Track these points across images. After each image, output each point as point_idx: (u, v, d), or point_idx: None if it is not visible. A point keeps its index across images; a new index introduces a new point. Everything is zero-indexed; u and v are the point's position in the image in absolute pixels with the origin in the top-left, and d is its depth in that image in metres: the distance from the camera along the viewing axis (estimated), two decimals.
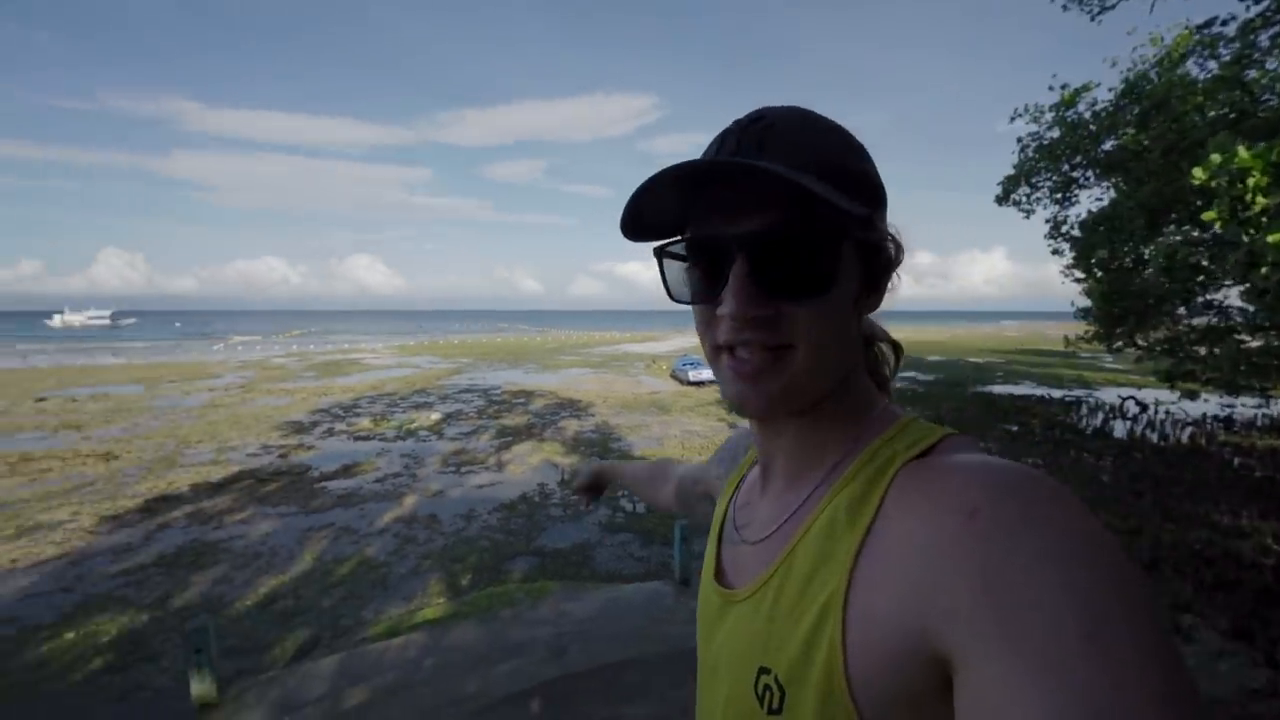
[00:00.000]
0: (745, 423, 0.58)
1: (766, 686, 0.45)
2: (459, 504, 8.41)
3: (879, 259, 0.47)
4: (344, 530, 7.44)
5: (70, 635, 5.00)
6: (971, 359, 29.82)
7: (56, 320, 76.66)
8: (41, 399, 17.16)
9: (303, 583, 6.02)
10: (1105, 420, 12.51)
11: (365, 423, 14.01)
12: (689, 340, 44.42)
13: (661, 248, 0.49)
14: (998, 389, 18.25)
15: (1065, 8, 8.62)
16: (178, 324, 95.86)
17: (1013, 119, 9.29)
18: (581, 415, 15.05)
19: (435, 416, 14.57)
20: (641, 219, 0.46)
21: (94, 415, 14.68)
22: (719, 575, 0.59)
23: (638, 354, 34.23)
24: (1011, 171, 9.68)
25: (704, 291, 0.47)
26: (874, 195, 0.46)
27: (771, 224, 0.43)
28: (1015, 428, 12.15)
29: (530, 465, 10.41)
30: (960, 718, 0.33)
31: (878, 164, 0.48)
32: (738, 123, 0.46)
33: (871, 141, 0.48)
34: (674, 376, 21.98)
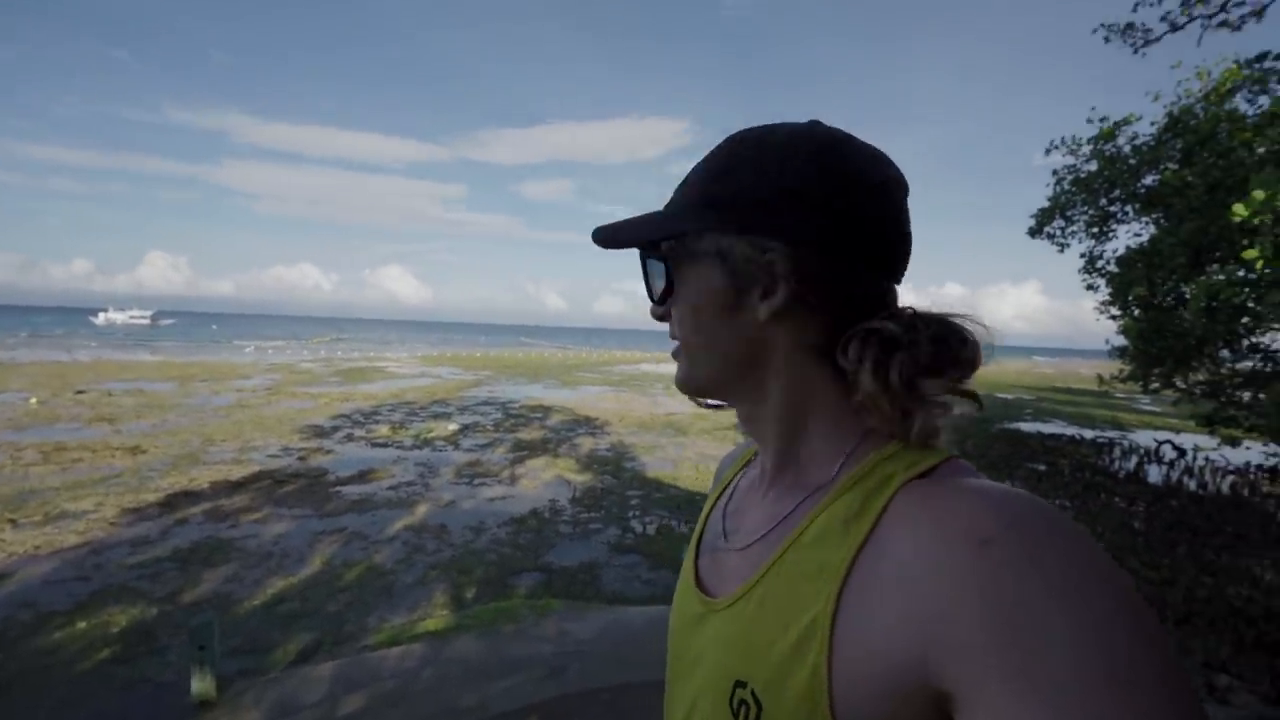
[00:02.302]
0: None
1: (742, 700, 0.44)
2: (470, 516, 8.40)
3: (748, 269, 0.49)
4: (355, 535, 7.48)
5: (83, 624, 5.08)
6: (1000, 394, 29.01)
7: (101, 318, 79.91)
8: (80, 391, 17.80)
9: (310, 585, 6.04)
10: (1139, 464, 11.98)
11: (384, 430, 14.19)
12: None
13: None
14: (1026, 426, 17.66)
15: (1107, 39, 8.52)
16: (214, 326, 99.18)
17: (1049, 151, 9.17)
18: (597, 433, 15.01)
19: (453, 427, 14.68)
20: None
21: (127, 410, 15.16)
22: (699, 582, 0.58)
23: (657, 374, 34.18)
24: (1046, 204, 9.51)
25: None
26: (730, 214, 0.49)
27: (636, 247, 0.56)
28: (1043, 467, 11.71)
29: (543, 480, 10.38)
30: None
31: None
32: None
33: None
34: None
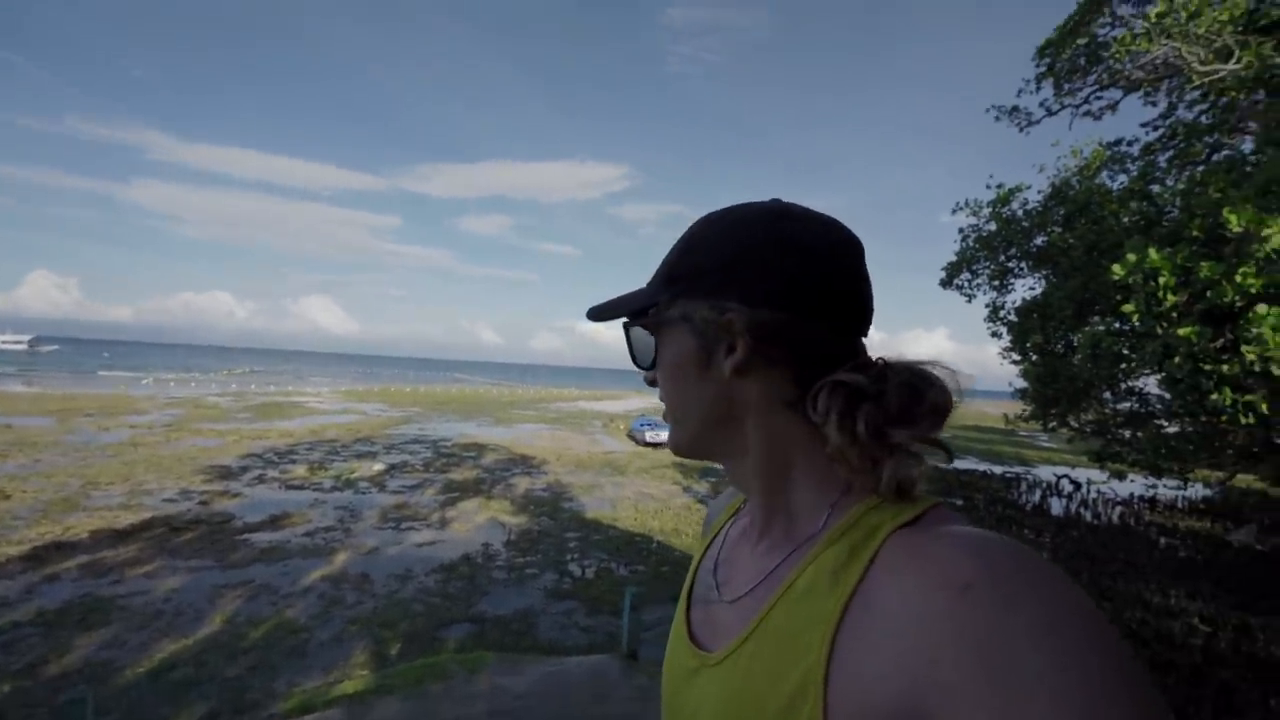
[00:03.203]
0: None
1: None
2: (395, 563, 7.86)
3: (710, 329, 0.52)
4: (263, 588, 6.81)
5: None
6: None
7: None
8: None
9: (208, 647, 5.40)
10: (1043, 497, 13.02)
11: (301, 470, 13.18)
12: (647, 401, 44.46)
13: None
14: (942, 462, 18.84)
15: (997, 119, 9.65)
16: (106, 354, 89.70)
17: (954, 210, 10.13)
18: (534, 472, 14.61)
19: (378, 467, 13.86)
20: None
21: None
22: (691, 634, 0.58)
23: (595, 412, 33.93)
24: (954, 259, 10.42)
25: None
26: (694, 282, 0.54)
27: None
28: (960, 501, 12.48)
29: (476, 524, 9.93)
30: None
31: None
32: None
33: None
34: (631, 436, 21.79)
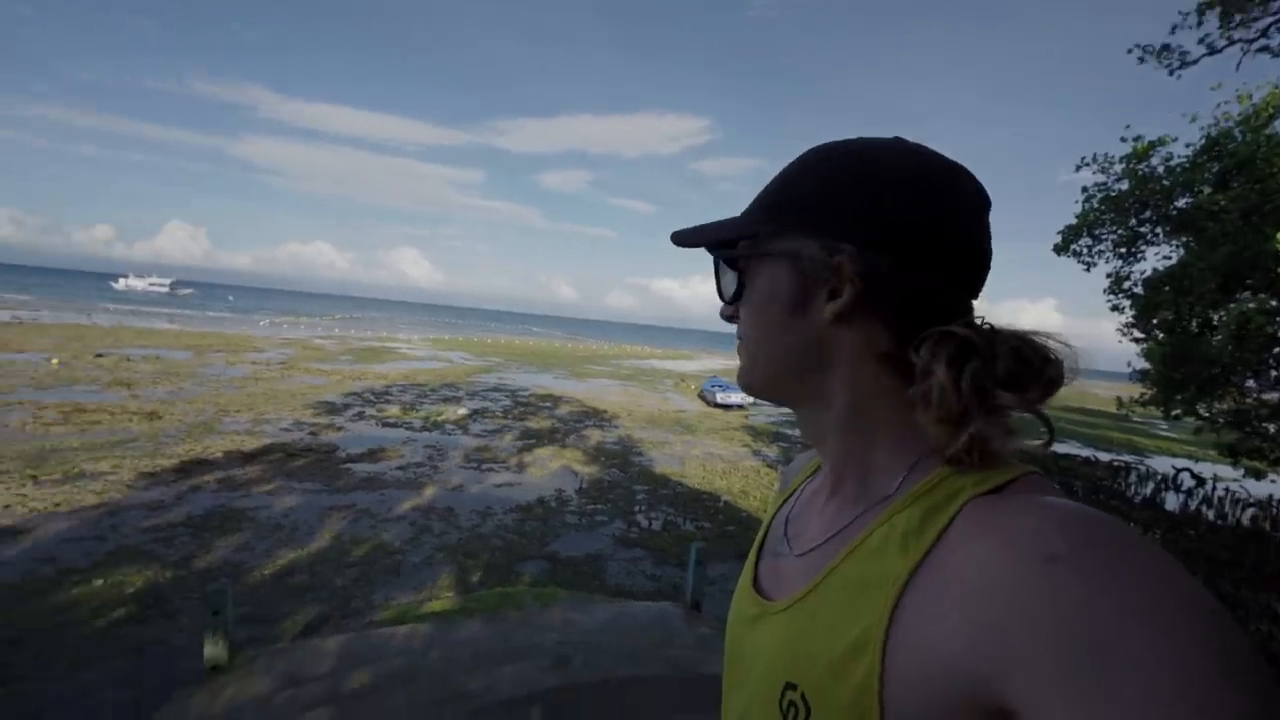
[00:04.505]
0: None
1: (791, 702, 0.44)
2: (477, 500, 8.45)
3: (816, 269, 0.49)
4: (363, 512, 7.55)
5: (99, 582, 5.18)
6: None
7: (121, 284, 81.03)
8: (100, 355, 18.10)
9: (319, 559, 6.12)
10: (1156, 491, 11.83)
11: (395, 410, 14.30)
12: (719, 361, 44.13)
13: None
14: (1037, 441, 17.51)
15: (1142, 60, 8.35)
16: (230, 298, 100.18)
17: (1079, 168, 9.00)
18: (605, 426, 15.04)
19: (462, 412, 14.77)
20: None
21: (144, 375, 15.39)
22: (756, 585, 0.58)
23: (666, 370, 34.16)
24: (1074, 221, 9.34)
25: None
26: (802, 216, 0.50)
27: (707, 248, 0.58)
28: (1055, 488, 11.58)
29: (550, 470, 10.43)
30: None
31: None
32: None
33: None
34: (701, 397, 21.82)
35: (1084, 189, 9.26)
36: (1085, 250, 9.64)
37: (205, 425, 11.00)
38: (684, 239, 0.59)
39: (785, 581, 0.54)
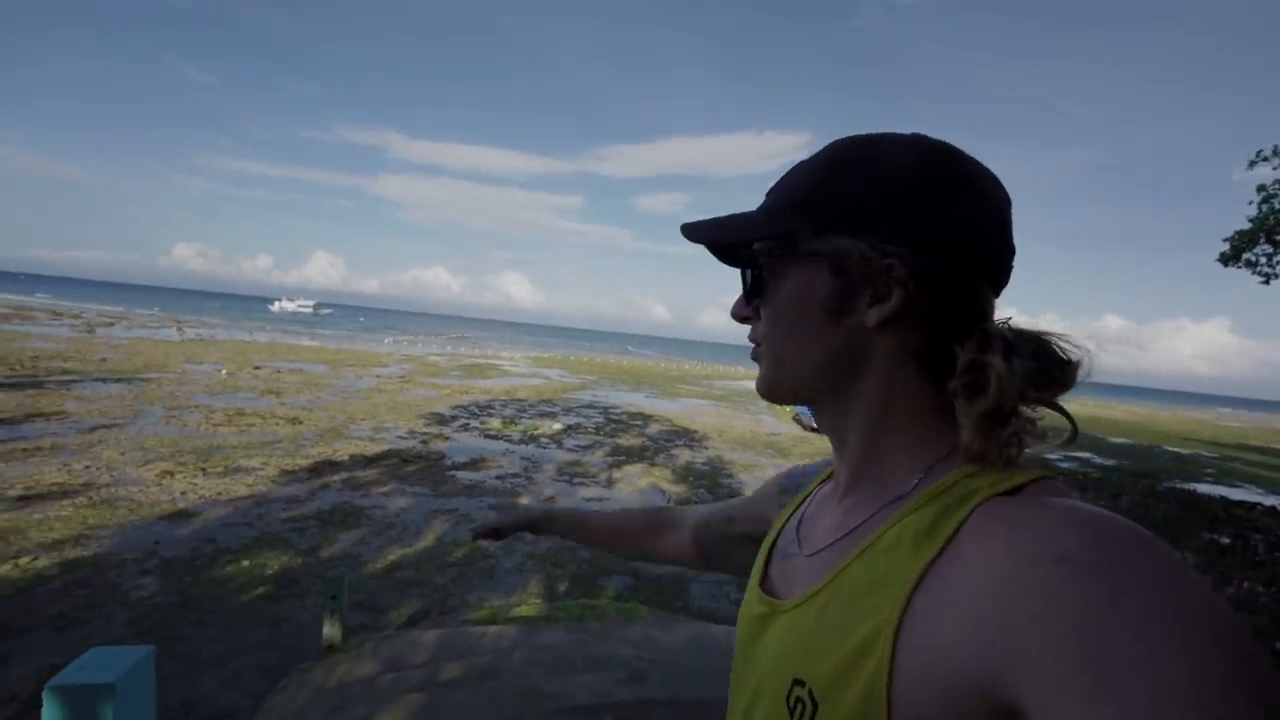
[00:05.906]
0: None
1: (799, 699, 0.44)
2: None
3: (862, 272, 0.48)
4: (464, 517, 8.06)
5: (245, 563, 5.95)
6: (1171, 447, 24.83)
7: (275, 306, 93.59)
8: (257, 367, 20.94)
9: (423, 558, 6.61)
10: None
11: (496, 423, 15.18)
12: None
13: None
14: (1204, 488, 14.97)
15: None
16: (361, 318, 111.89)
17: (1253, 164, 7.78)
18: (695, 446, 14.96)
19: (557, 427, 15.36)
20: None
21: (290, 385, 17.59)
22: (766, 585, 0.59)
23: None
24: (1247, 226, 8.06)
25: None
26: (846, 215, 0.49)
27: (724, 246, 0.57)
28: (1227, 539, 9.85)
29: (638, 487, 10.53)
30: None
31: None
32: None
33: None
34: (796, 420, 21.06)
35: (1260, 188, 7.99)
36: (1264, 259, 8.26)
37: (335, 430, 12.34)
38: (699, 233, 0.55)
39: (795, 581, 0.54)
